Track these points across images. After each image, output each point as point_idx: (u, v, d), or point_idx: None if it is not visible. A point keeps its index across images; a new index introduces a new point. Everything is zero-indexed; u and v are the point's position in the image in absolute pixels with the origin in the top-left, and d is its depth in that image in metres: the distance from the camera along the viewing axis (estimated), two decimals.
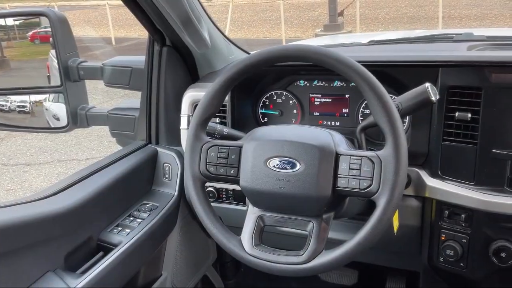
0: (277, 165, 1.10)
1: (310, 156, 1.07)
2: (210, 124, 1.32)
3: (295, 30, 12.29)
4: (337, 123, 1.50)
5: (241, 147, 1.15)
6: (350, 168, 1.07)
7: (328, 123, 1.51)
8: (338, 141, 1.11)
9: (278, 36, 11.19)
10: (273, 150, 1.10)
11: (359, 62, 1.19)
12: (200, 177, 1.17)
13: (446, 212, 1.25)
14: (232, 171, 1.15)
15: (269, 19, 13.73)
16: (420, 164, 1.32)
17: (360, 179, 1.05)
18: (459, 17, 11.46)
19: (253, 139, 1.13)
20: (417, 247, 1.36)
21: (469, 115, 1.19)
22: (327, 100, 1.50)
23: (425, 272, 1.38)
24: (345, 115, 1.48)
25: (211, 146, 1.17)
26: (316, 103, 1.51)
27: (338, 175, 1.07)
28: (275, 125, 1.22)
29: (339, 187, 1.07)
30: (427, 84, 1.15)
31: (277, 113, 1.56)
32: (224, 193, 1.54)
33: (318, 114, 1.52)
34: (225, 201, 1.56)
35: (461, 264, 1.26)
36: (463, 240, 1.24)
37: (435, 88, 1.16)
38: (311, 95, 1.51)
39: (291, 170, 1.08)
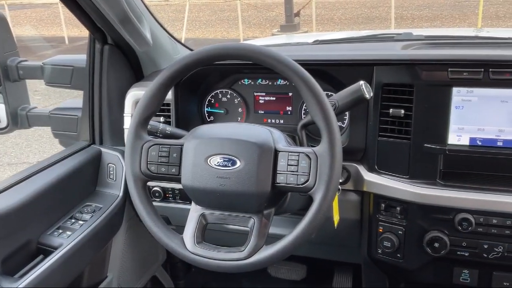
0: (218, 162, 1.11)
1: (250, 153, 1.09)
2: (152, 123, 1.31)
3: (253, 30, 12.33)
4: (281, 121, 1.52)
5: (182, 145, 1.15)
6: (288, 164, 1.09)
7: (273, 121, 1.53)
8: (277, 138, 1.13)
9: (236, 36, 11.18)
10: (214, 148, 1.11)
11: (298, 61, 1.21)
12: (141, 177, 1.16)
13: (383, 205, 1.30)
14: (173, 170, 1.16)
15: (227, 19, 13.71)
16: (358, 159, 1.36)
17: (297, 174, 1.08)
18: (411, 18, 11.82)
19: (194, 137, 1.14)
20: (358, 240, 1.40)
21: (402, 111, 1.24)
22: (271, 98, 1.52)
23: (365, 264, 1.43)
24: (289, 112, 1.51)
25: (152, 145, 1.17)
26: (260, 101, 1.53)
27: (277, 171, 1.09)
28: (216, 123, 1.23)
29: (278, 183, 1.09)
30: (361, 82, 1.19)
31: (222, 111, 1.57)
32: (171, 192, 1.54)
33: (262, 112, 1.54)
34: (171, 200, 1.55)
35: (398, 255, 1.31)
36: (399, 232, 1.29)
37: (369, 86, 1.20)
38: (255, 94, 1.53)
39: (231, 168, 1.10)
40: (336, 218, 1.33)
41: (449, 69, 1.19)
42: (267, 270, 2.00)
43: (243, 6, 12.15)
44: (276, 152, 1.10)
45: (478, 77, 1.17)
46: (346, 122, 1.42)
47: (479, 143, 1.21)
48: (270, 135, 1.13)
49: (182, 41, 1.85)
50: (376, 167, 1.32)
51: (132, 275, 1.67)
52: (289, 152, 1.09)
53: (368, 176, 1.32)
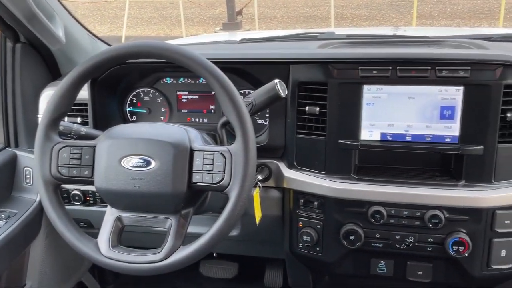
0: (132, 163, 1.09)
1: (165, 153, 1.08)
2: (66, 124, 1.27)
3: (196, 28, 12.23)
4: (205, 120, 1.52)
5: (94, 146, 1.12)
6: (204, 164, 1.09)
7: (196, 119, 1.52)
8: (193, 138, 1.13)
9: (179, 34, 11.05)
10: (128, 148, 1.09)
11: (215, 59, 1.22)
12: (52, 181, 1.12)
13: (302, 200, 1.33)
14: (86, 172, 1.13)
15: (170, 17, 13.50)
16: (279, 156, 1.38)
17: (213, 173, 1.08)
18: (350, 17, 12.16)
19: (107, 138, 1.11)
20: (281, 236, 1.42)
21: (318, 109, 1.27)
22: (194, 97, 1.51)
23: (288, 259, 1.45)
24: (212, 111, 1.51)
25: (63, 147, 1.13)
26: (183, 100, 1.52)
27: (193, 171, 1.09)
28: (131, 123, 1.21)
29: (194, 182, 1.09)
30: (276, 81, 1.20)
31: (145, 111, 1.54)
32: (91, 195, 1.50)
33: (186, 111, 1.53)
34: (92, 203, 1.51)
35: (317, 248, 1.34)
36: (318, 226, 1.32)
37: (284, 84, 1.22)
38: (178, 92, 1.52)
39: (146, 168, 1.08)
40: (258, 215, 1.34)
41: (360, 68, 1.23)
42: (199, 270, 1.99)
43: (186, 3, 12.02)
44: (192, 151, 1.10)
45: (386, 75, 1.22)
46: (268, 120, 1.44)
47: (390, 138, 1.26)
48: (186, 134, 1.12)
49: (123, 39, 1.81)
50: (295, 163, 1.34)
51: (54, 282, 1.61)
52: (204, 151, 1.09)
53: (288, 173, 1.35)
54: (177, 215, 1.12)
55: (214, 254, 1.92)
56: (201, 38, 2.43)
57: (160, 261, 1.07)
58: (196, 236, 1.07)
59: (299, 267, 1.46)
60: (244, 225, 1.44)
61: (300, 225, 1.35)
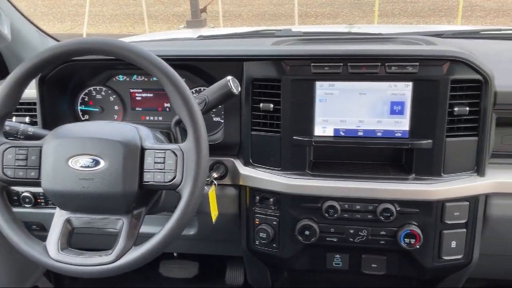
0: (80, 163, 1.06)
1: (114, 153, 1.06)
2: (12, 123, 1.23)
3: (160, 26, 12.07)
4: (160, 118, 1.49)
5: (41, 147, 1.09)
6: (155, 162, 1.07)
7: (151, 118, 1.50)
8: (144, 136, 1.11)
9: (142, 32, 10.89)
10: (75, 148, 1.07)
11: (167, 56, 1.20)
12: None
13: (258, 197, 1.33)
14: (32, 173, 1.09)
15: (133, 14, 13.27)
16: (235, 154, 1.38)
17: (164, 172, 1.07)
18: (314, 15, 12.28)
19: (54, 138, 1.08)
20: (238, 233, 1.42)
21: (272, 105, 1.27)
22: (149, 95, 1.49)
23: (246, 256, 1.45)
24: (167, 109, 1.49)
25: (8, 148, 1.09)
26: (137, 98, 1.50)
27: (144, 170, 1.08)
28: (79, 122, 1.18)
29: (145, 181, 1.07)
30: (229, 78, 1.20)
31: (97, 110, 1.51)
32: (42, 197, 1.45)
33: (140, 109, 1.50)
34: (44, 206, 1.47)
35: (274, 245, 1.34)
36: (274, 223, 1.33)
37: (236, 81, 1.22)
38: (131, 90, 1.49)
39: (94, 168, 1.06)
40: (214, 214, 1.34)
41: (312, 64, 1.23)
42: (159, 270, 1.97)
43: (149, 1, 11.85)
44: (143, 150, 1.08)
45: (338, 71, 1.23)
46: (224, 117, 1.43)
47: (342, 134, 1.27)
48: (137, 132, 1.11)
49: (83, 36, 1.76)
50: (251, 160, 1.34)
51: (7, 286, 1.56)
52: (155, 149, 1.08)
53: (244, 170, 1.34)
54: (128, 215, 1.10)
55: (175, 254, 1.90)
56: (159, 35, 2.40)
57: (111, 262, 1.05)
58: (150, 236, 1.06)
59: (257, 264, 1.46)
60: (201, 224, 1.43)
61: (257, 222, 1.35)
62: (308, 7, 12.96)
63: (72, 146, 1.07)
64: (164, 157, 1.07)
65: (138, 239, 1.10)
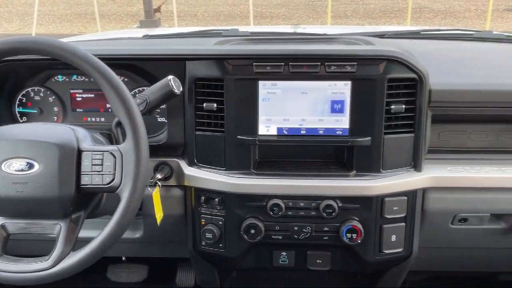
0: (14, 167, 1.03)
1: (49, 155, 1.03)
2: None
3: (113, 26, 11.81)
4: (102, 119, 1.46)
5: None
6: (92, 164, 1.06)
7: (93, 119, 1.46)
8: (81, 137, 1.09)
9: (95, 31, 10.62)
10: (8, 151, 1.04)
11: (108, 55, 1.17)
12: None
13: (203, 198, 1.32)
14: None
15: (85, 14, 12.91)
16: (180, 154, 1.36)
17: (103, 174, 1.05)
18: (270, 16, 12.37)
19: None
20: (184, 235, 1.41)
21: (215, 105, 1.27)
22: (90, 95, 1.45)
23: (193, 257, 1.44)
24: (109, 110, 1.46)
25: None
26: (78, 99, 1.46)
27: (82, 173, 1.05)
28: (14, 124, 1.13)
29: (83, 184, 1.05)
30: (170, 77, 1.19)
31: (36, 111, 1.46)
32: None
33: (81, 110, 1.46)
34: None
35: (220, 245, 1.34)
36: (220, 223, 1.32)
37: (178, 81, 1.21)
38: (71, 91, 1.45)
39: (28, 172, 1.03)
40: (159, 216, 1.32)
41: (254, 64, 1.24)
42: (106, 275, 1.93)
43: (101, 0, 11.57)
44: (80, 152, 1.06)
45: (279, 71, 1.24)
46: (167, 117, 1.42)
47: (286, 133, 1.29)
48: (73, 134, 1.08)
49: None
50: (195, 161, 1.33)
51: None
52: (93, 151, 1.06)
53: (189, 171, 1.33)
54: (66, 220, 1.07)
55: (123, 258, 1.86)
56: (104, 35, 2.34)
57: (48, 269, 1.03)
58: (91, 240, 1.04)
59: (204, 265, 1.46)
60: (147, 226, 1.41)
61: (203, 223, 1.34)
62: (263, 8, 13.05)
63: (4, 149, 1.03)
64: (102, 159, 1.05)
65: (79, 243, 1.07)
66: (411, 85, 1.25)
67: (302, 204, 1.28)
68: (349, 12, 12.60)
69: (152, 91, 1.21)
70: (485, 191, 1.30)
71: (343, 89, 1.25)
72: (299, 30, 1.90)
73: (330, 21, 9.99)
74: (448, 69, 1.39)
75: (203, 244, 1.36)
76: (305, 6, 13.39)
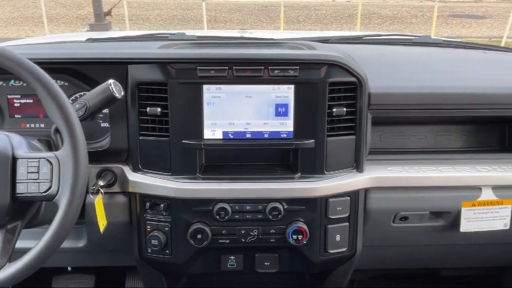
0: None
1: None
2: None
3: (62, 29, 11.44)
4: (42, 125, 1.41)
5: None
6: (28, 172, 1.02)
7: (32, 125, 1.41)
8: (16, 144, 1.05)
9: (43, 35, 10.26)
10: None
11: (45, 59, 1.14)
12: None
13: (148, 204, 1.30)
14: None
15: (32, 17, 12.43)
16: (124, 160, 1.34)
17: (39, 182, 1.02)
18: (224, 21, 12.37)
19: None
20: (130, 242, 1.38)
21: (159, 109, 1.26)
22: (28, 101, 1.40)
23: (140, 265, 1.42)
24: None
25: None
26: (16, 104, 1.40)
27: (17, 181, 1.02)
28: None
29: (18, 193, 1.02)
30: (110, 81, 1.17)
31: None
32: None
33: (20, 116, 1.41)
34: None
35: (167, 251, 1.32)
36: (166, 229, 1.31)
37: (119, 85, 1.19)
38: (9, 96, 1.39)
39: None
40: (102, 223, 1.29)
41: (198, 68, 1.24)
42: (52, 287, 1.86)
43: (49, 3, 11.20)
44: (14, 159, 1.02)
45: (224, 75, 1.24)
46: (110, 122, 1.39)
47: (231, 136, 1.29)
48: (7, 140, 1.04)
49: None
50: (140, 166, 1.31)
51: None
52: (28, 158, 1.02)
53: (133, 177, 1.31)
54: (1, 230, 1.03)
55: (69, 268, 1.80)
56: (49, 38, 2.27)
57: None
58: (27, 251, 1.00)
59: (151, 272, 1.43)
60: (90, 235, 1.37)
61: (148, 229, 1.32)
62: (217, 12, 13.05)
63: None
64: (38, 166, 1.02)
65: (16, 254, 1.03)
66: (352, 88, 1.28)
67: (248, 208, 1.29)
68: (302, 17, 12.80)
69: (92, 95, 1.18)
70: (423, 190, 1.35)
71: (286, 92, 1.26)
72: (246, 35, 1.91)
73: (283, 27, 10.11)
74: (387, 73, 1.44)
75: (149, 251, 1.34)
76: (259, 11, 13.50)
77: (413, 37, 1.86)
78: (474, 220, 1.36)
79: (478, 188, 1.36)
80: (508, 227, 1.38)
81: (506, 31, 9.28)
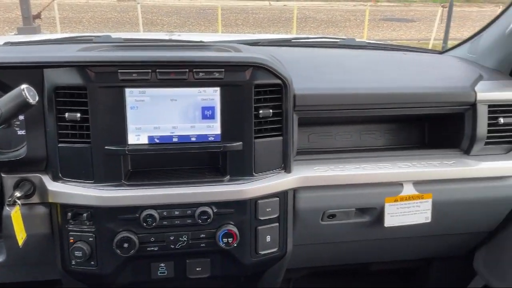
0: None
1: None
2: None
3: None
4: None
5: None
6: None
7: None
8: None
9: None
10: None
11: None
12: None
13: (70, 214, 1.24)
14: None
15: None
16: (43, 169, 1.27)
17: None
18: (161, 24, 12.19)
19: None
20: (52, 255, 1.31)
21: (78, 115, 1.20)
22: None
23: (64, 278, 1.35)
24: None
25: None
26: None
27: None
28: None
29: None
30: (23, 86, 1.10)
31: None
32: None
33: None
34: None
35: (92, 262, 1.27)
36: (90, 239, 1.25)
37: (33, 90, 1.12)
38: None
39: None
40: (20, 237, 1.21)
41: (119, 71, 1.20)
42: None
43: None
44: None
45: (147, 78, 1.21)
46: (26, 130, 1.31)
47: (157, 141, 1.26)
48: None
49: None
50: (60, 175, 1.25)
51: None
52: None
53: (53, 186, 1.25)
54: None
55: None
56: None
57: None
58: None
59: (76, 285, 1.37)
60: (9, 249, 1.29)
61: (72, 241, 1.26)
62: (153, 15, 12.84)
63: None
64: None
65: None
66: (277, 90, 1.29)
67: (177, 213, 1.26)
68: (240, 21, 12.89)
69: (3, 102, 1.11)
70: (348, 187, 1.39)
71: (212, 95, 1.25)
72: (174, 37, 1.88)
73: (221, 29, 10.12)
74: (313, 75, 1.46)
75: (73, 263, 1.28)
76: (197, 14, 13.43)
77: (339, 40, 1.91)
78: (397, 215, 1.41)
79: (400, 184, 1.42)
80: (429, 220, 1.45)
81: (433, 33, 9.83)
